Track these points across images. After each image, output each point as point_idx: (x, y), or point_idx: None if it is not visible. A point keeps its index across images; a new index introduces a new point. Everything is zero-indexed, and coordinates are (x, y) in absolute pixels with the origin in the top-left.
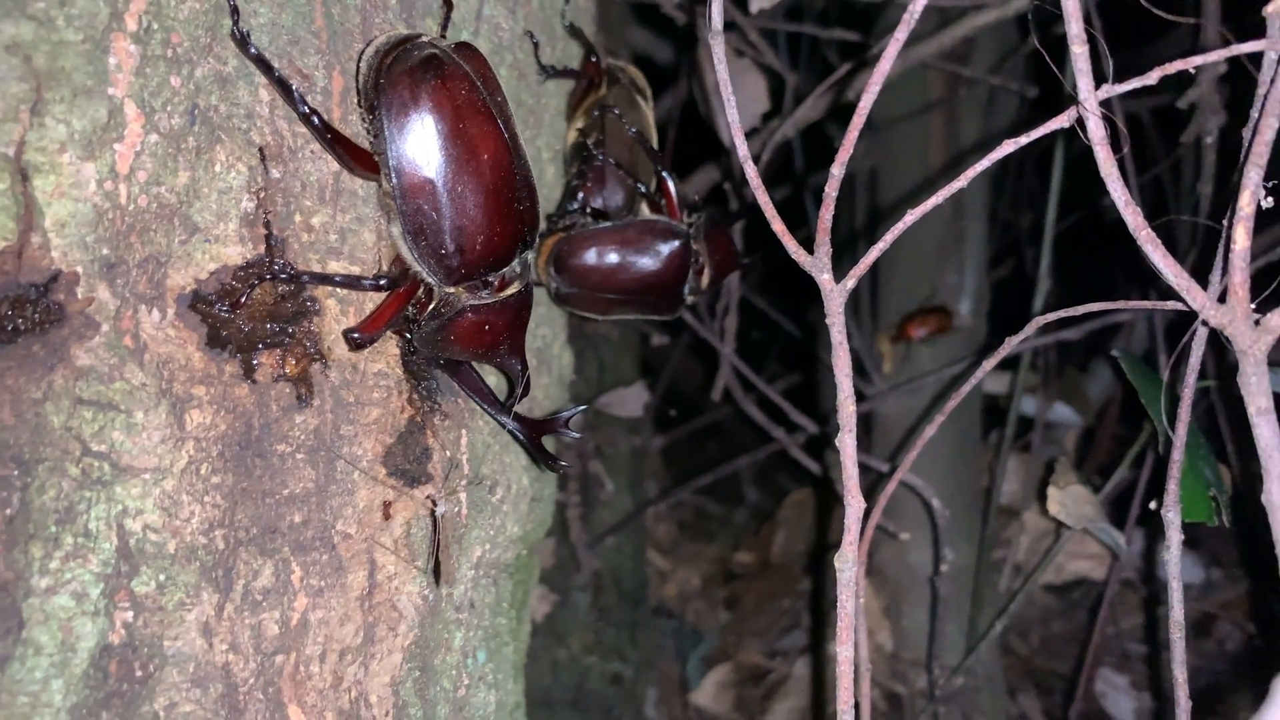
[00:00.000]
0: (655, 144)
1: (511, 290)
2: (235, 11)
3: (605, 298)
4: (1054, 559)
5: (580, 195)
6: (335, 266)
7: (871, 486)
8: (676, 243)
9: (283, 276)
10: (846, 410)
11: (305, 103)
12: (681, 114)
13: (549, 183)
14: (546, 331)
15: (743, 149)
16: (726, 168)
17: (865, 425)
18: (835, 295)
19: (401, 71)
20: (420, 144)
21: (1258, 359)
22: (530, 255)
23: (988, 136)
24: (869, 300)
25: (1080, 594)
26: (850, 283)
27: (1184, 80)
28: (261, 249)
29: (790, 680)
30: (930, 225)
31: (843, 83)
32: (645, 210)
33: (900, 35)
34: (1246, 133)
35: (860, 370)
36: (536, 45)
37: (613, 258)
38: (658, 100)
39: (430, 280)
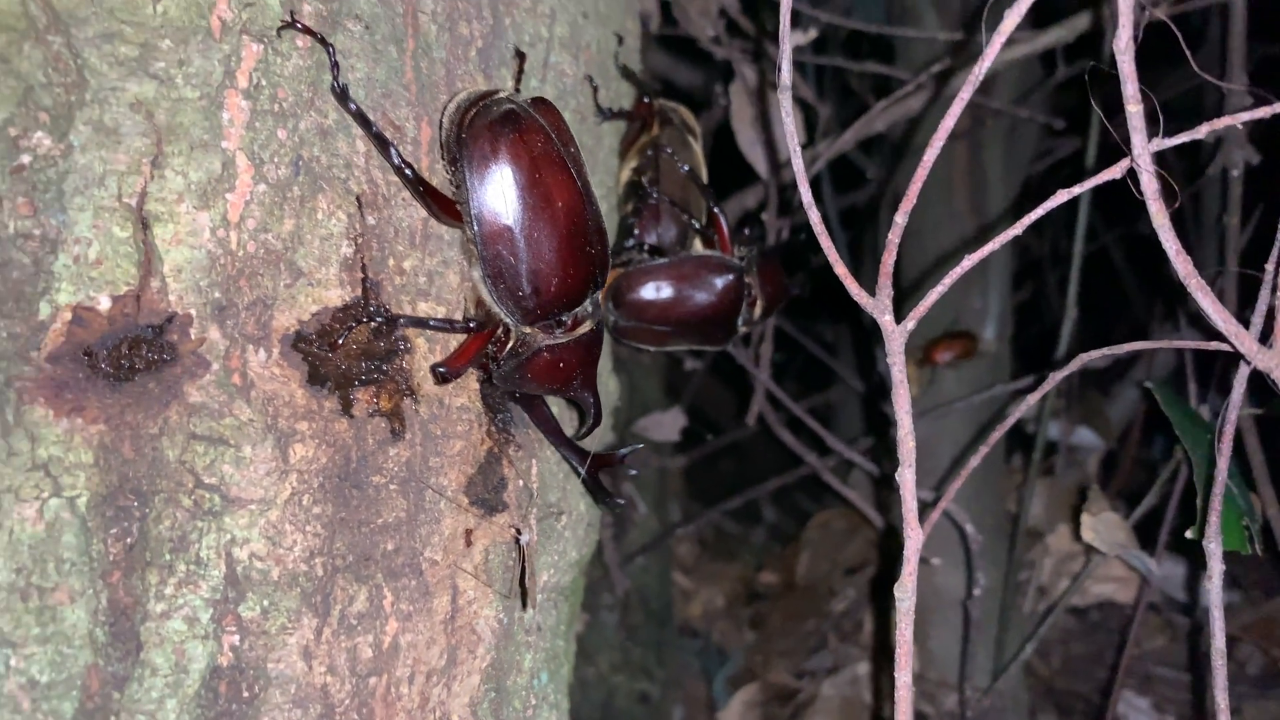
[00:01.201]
0: (706, 181)
1: (584, 328)
2: (336, 67)
3: (661, 330)
4: (1081, 583)
5: (636, 231)
6: (424, 307)
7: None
8: (731, 276)
9: (379, 319)
10: (906, 446)
11: (399, 155)
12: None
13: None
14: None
15: (807, 196)
16: (763, 198)
17: (890, 447)
18: (896, 336)
19: (482, 126)
20: (499, 194)
21: None
22: (600, 295)
23: (1010, 165)
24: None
25: (1100, 616)
26: (911, 324)
27: (1208, 103)
28: (359, 292)
29: (818, 700)
30: (955, 252)
31: (869, 113)
32: (699, 245)
33: (965, 94)
34: None
35: (886, 393)
36: (596, 89)
37: (669, 292)
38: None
39: (508, 320)
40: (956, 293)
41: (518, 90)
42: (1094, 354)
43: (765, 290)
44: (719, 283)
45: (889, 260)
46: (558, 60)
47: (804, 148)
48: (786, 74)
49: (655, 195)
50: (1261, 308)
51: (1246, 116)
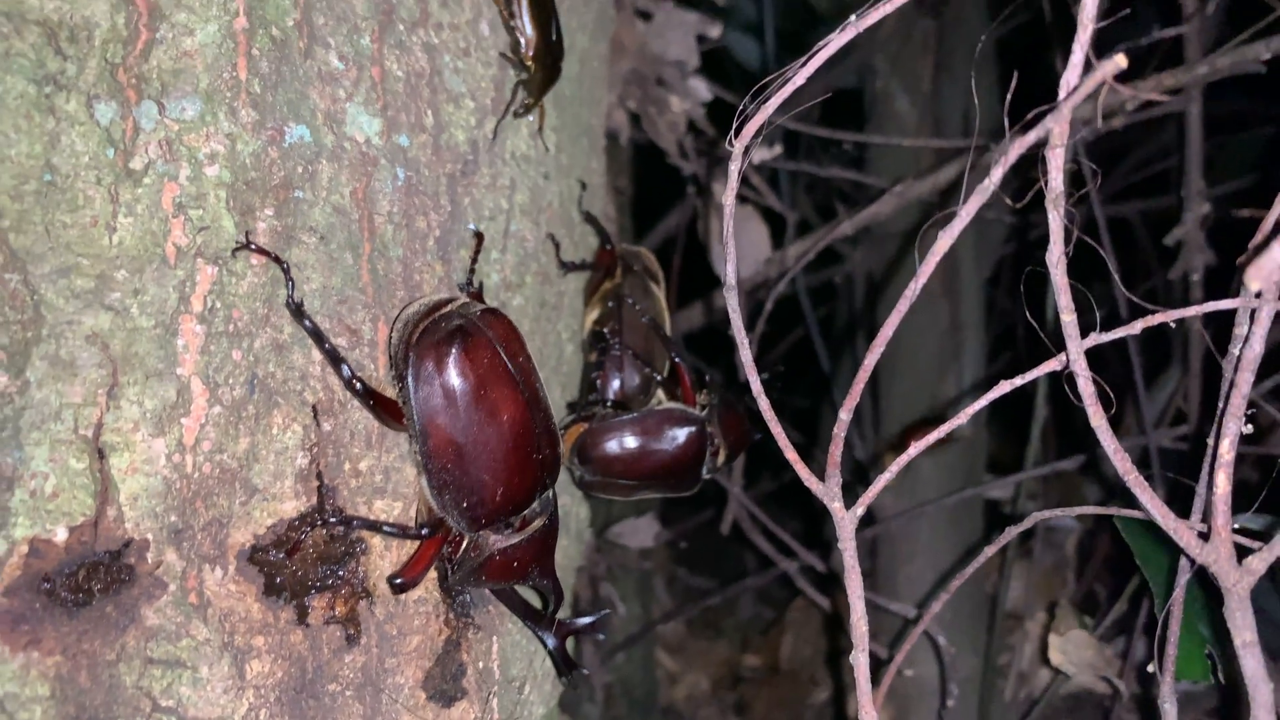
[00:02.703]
0: (669, 328)
1: (535, 524)
2: (290, 284)
3: (627, 484)
4: (1055, 688)
5: (599, 384)
6: (380, 505)
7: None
8: (693, 429)
9: (333, 521)
10: (859, 630)
11: (350, 370)
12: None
13: (568, 360)
14: (566, 499)
15: (756, 385)
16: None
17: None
18: (847, 522)
19: (428, 345)
20: (442, 412)
21: (1241, 597)
22: (551, 493)
23: (982, 248)
24: (871, 409)
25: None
26: (860, 510)
27: (1168, 183)
28: (314, 500)
29: None
30: (929, 337)
31: (837, 220)
32: (661, 396)
33: (942, 245)
34: (1224, 385)
35: (864, 479)
36: (558, 246)
37: (633, 447)
38: (661, 221)
39: (457, 527)
40: (932, 378)
41: (473, 270)
42: (1049, 514)
43: (728, 438)
44: (682, 435)
45: (836, 451)
46: (519, 228)
47: (775, 249)
48: (732, 275)
49: (617, 347)
50: (1199, 504)
51: (1185, 312)
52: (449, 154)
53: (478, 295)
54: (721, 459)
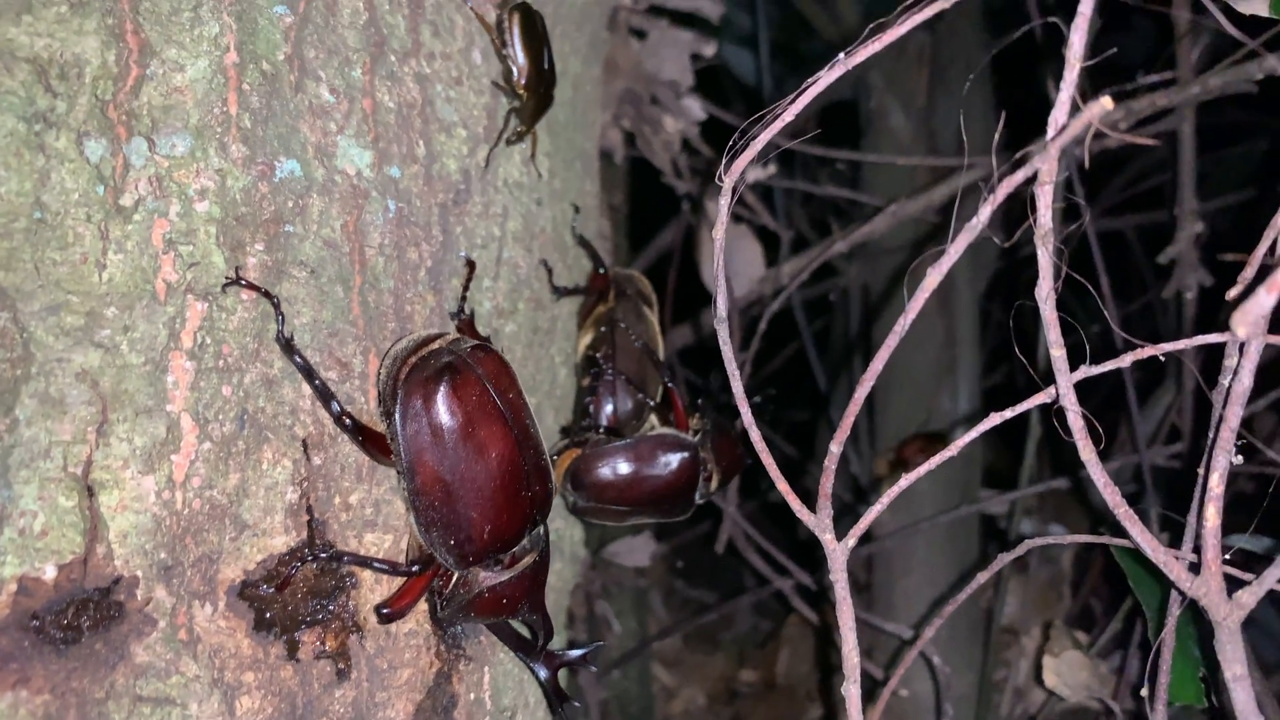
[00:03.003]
0: (662, 353)
1: (526, 561)
2: (281, 319)
3: (620, 510)
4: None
5: (592, 410)
6: (370, 538)
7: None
8: (685, 454)
9: (323, 557)
10: (851, 662)
11: (339, 405)
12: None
13: (562, 384)
14: (559, 522)
15: (747, 415)
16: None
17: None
18: (838, 554)
19: (416, 382)
20: (430, 450)
21: (1232, 630)
22: (541, 529)
23: (976, 265)
24: (867, 424)
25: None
26: (851, 541)
27: (1163, 196)
28: (304, 535)
29: None
30: (924, 351)
31: (830, 239)
32: (654, 421)
33: (931, 281)
34: (1214, 418)
35: (860, 495)
36: (550, 271)
37: (626, 474)
38: (657, 235)
39: (445, 564)
40: (927, 393)
41: (465, 299)
42: (1041, 540)
43: (720, 463)
44: (675, 461)
45: (826, 484)
46: (511, 255)
47: (768, 268)
48: (723, 308)
49: (610, 372)
50: (1191, 533)
51: (1174, 346)
52: (441, 183)
53: (469, 324)
54: (714, 484)
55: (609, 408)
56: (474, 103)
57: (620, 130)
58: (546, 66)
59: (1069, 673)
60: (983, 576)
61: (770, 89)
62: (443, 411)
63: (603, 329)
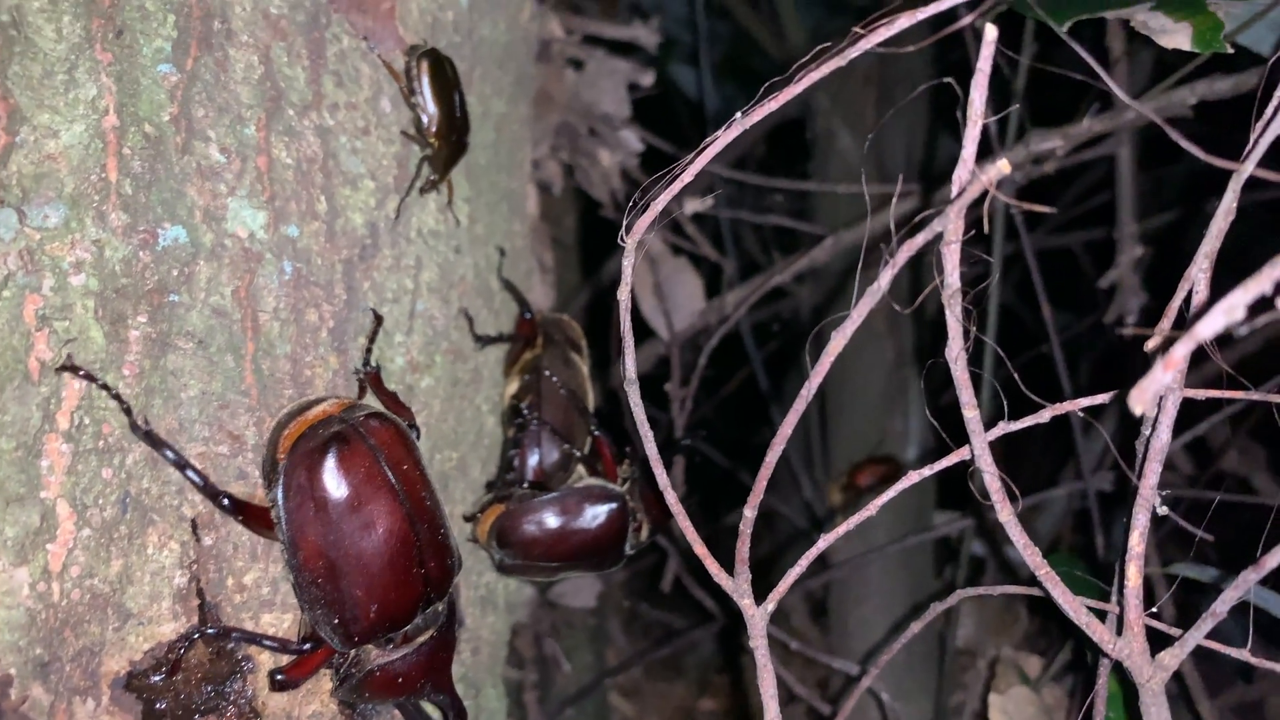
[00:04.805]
0: (591, 400)
1: (420, 640)
2: (129, 412)
3: (549, 566)
4: None
5: (517, 463)
6: (268, 619)
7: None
8: (614, 505)
9: (210, 633)
10: None
11: (213, 487)
12: None
13: (490, 433)
14: (491, 578)
15: (663, 480)
16: (669, 359)
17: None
18: (758, 619)
19: (300, 455)
20: (313, 526)
21: (1155, 691)
22: (441, 606)
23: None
24: (820, 448)
25: None
26: (770, 606)
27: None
28: (195, 620)
29: None
30: (874, 375)
31: (773, 269)
32: (582, 472)
33: (863, 308)
34: (1135, 473)
35: (815, 521)
36: (471, 321)
37: (552, 529)
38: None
39: (330, 643)
40: (878, 415)
41: (369, 354)
42: (972, 591)
43: (651, 512)
44: (603, 513)
45: (743, 548)
46: (426, 307)
47: (710, 299)
48: (631, 370)
49: (535, 422)
50: (1115, 596)
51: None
52: (345, 239)
53: (375, 380)
54: (645, 534)
55: (534, 460)
56: (383, 152)
57: (558, 161)
58: (459, 113)
59: (1016, 710)
60: (916, 626)
61: (719, 108)
62: (327, 485)
63: (528, 377)
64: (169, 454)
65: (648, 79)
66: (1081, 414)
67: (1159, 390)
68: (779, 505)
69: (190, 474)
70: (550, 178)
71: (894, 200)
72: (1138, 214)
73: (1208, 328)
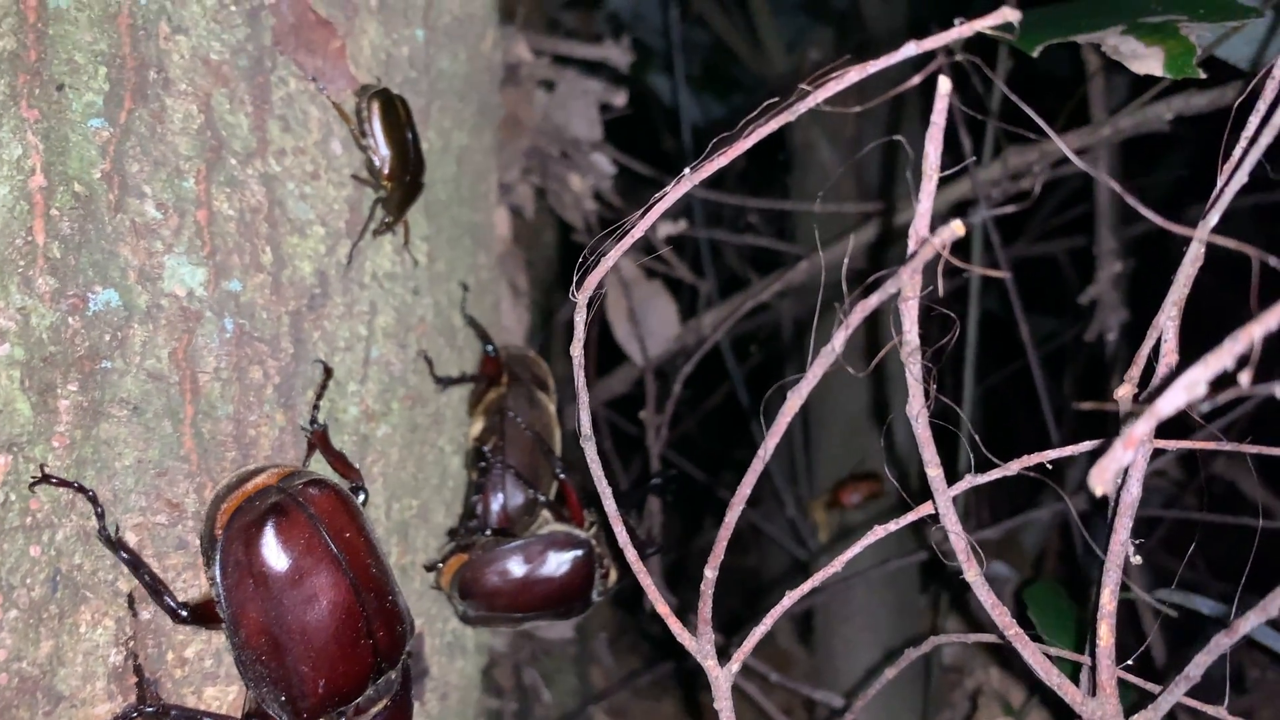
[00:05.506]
0: (557, 442)
1: (375, 709)
2: (100, 517)
3: (514, 616)
4: None
5: (480, 509)
6: (211, 693)
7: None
8: (579, 552)
9: (149, 711)
10: None
11: (172, 600)
12: None
13: (455, 474)
14: (457, 625)
15: (624, 538)
16: (642, 384)
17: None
18: (722, 680)
19: (237, 529)
20: (253, 602)
21: None
22: (394, 674)
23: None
24: (805, 466)
25: None
26: (735, 667)
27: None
28: (133, 698)
29: None
30: (856, 392)
31: (752, 288)
32: (547, 516)
33: (837, 343)
34: (1107, 530)
35: (799, 539)
36: (430, 363)
37: (517, 578)
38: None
39: None
40: (861, 432)
41: (316, 409)
42: (945, 639)
43: (618, 559)
44: (568, 561)
45: (705, 609)
46: (381, 353)
47: (687, 321)
48: (587, 425)
49: (499, 466)
50: (1088, 663)
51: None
52: (293, 290)
53: (322, 437)
54: (613, 580)
55: (497, 505)
56: (334, 196)
57: (530, 185)
58: (412, 153)
59: None
60: (890, 672)
61: (700, 118)
62: (266, 559)
63: (492, 418)
64: (145, 575)
65: (620, 99)
66: (1049, 465)
67: (1119, 469)
68: (762, 523)
69: (148, 585)
70: (522, 202)
71: (849, 246)
72: (1118, 226)
73: (1168, 405)
